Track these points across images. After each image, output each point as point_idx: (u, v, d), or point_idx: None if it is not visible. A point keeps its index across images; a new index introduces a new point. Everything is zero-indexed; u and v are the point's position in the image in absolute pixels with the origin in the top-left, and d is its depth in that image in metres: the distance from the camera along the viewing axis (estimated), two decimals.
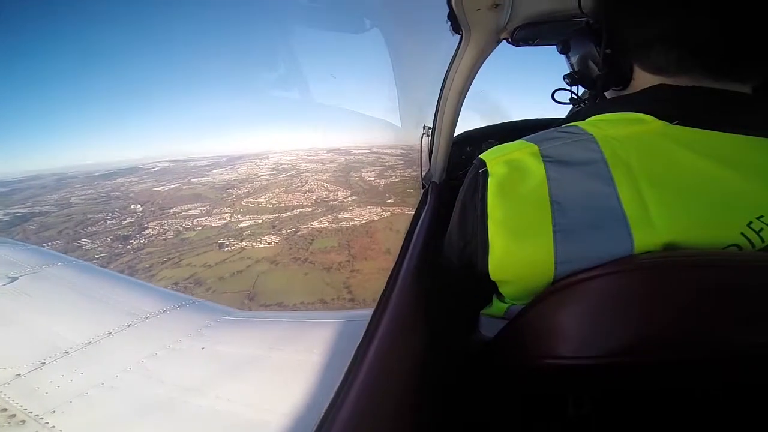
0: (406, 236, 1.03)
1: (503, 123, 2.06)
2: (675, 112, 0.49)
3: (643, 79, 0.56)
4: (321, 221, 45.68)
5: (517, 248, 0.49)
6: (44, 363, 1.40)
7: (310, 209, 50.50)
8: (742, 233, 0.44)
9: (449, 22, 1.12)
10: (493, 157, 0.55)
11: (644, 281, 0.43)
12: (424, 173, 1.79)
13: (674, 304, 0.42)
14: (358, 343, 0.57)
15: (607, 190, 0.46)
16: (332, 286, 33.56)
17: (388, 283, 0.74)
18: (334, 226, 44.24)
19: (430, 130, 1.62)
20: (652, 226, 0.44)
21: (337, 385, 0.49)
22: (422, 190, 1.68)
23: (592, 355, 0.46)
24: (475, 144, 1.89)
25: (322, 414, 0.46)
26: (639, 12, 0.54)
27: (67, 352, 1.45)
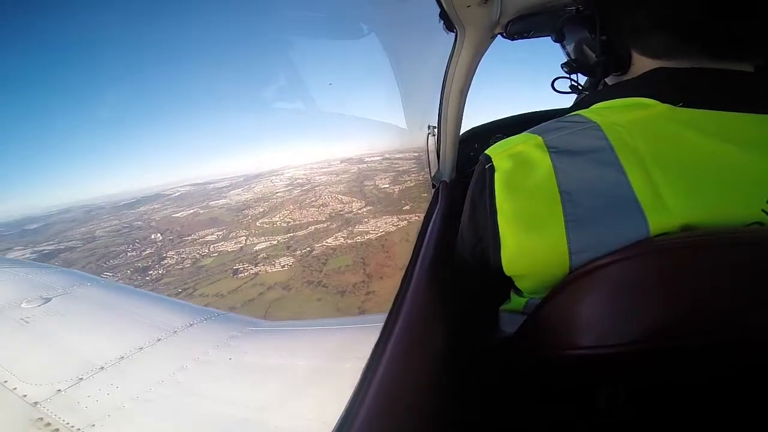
0: (418, 237, 1.03)
1: (509, 117, 2.06)
2: (678, 94, 0.49)
3: (642, 64, 0.56)
4: (336, 237, 45.71)
5: (529, 241, 0.50)
6: (81, 378, 1.48)
7: (325, 225, 50.88)
8: (763, 210, 0.43)
9: (442, 21, 1.13)
10: (498, 152, 0.56)
11: (663, 263, 0.42)
12: (433, 173, 1.81)
13: (696, 285, 0.41)
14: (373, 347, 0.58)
15: (616, 177, 0.46)
16: (345, 313, 33.08)
17: (402, 284, 0.74)
18: (349, 242, 44.14)
19: (436, 130, 1.64)
20: (666, 209, 0.44)
21: (355, 387, 0.50)
22: (433, 190, 1.69)
23: (615, 343, 0.45)
24: (483, 140, 1.90)
25: (341, 416, 0.46)
26: None
27: (102, 368, 1.52)
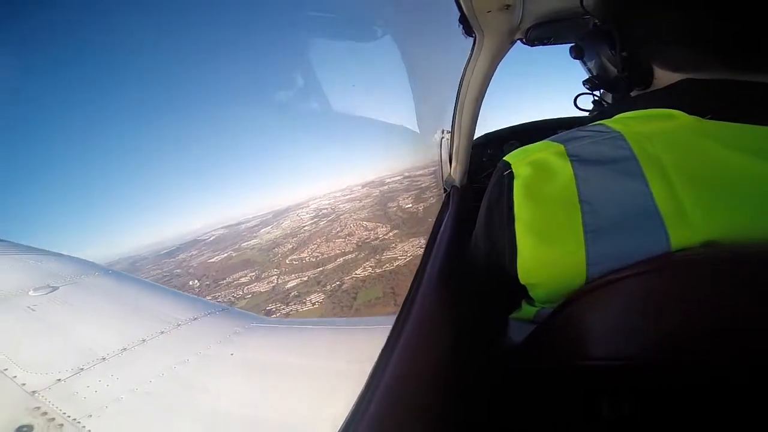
0: (428, 241, 1.03)
1: (524, 123, 2.04)
2: (706, 106, 0.48)
3: (665, 77, 0.55)
4: (364, 267, 45.25)
5: (547, 250, 0.49)
6: (83, 369, 1.46)
7: (353, 255, 50.83)
8: None
9: (461, 26, 1.11)
10: (518, 159, 0.55)
11: (683, 278, 0.42)
12: (444, 177, 1.78)
13: (716, 302, 0.40)
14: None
15: (639, 188, 0.45)
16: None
17: (411, 289, 0.74)
18: (378, 271, 43.55)
19: (449, 134, 1.63)
20: (689, 223, 0.43)
21: (361, 389, 0.50)
22: (444, 195, 1.68)
23: (629, 355, 0.45)
24: (496, 146, 1.89)
25: (347, 418, 0.46)
26: (646, 8, 0.54)
27: (103, 359, 1.51)
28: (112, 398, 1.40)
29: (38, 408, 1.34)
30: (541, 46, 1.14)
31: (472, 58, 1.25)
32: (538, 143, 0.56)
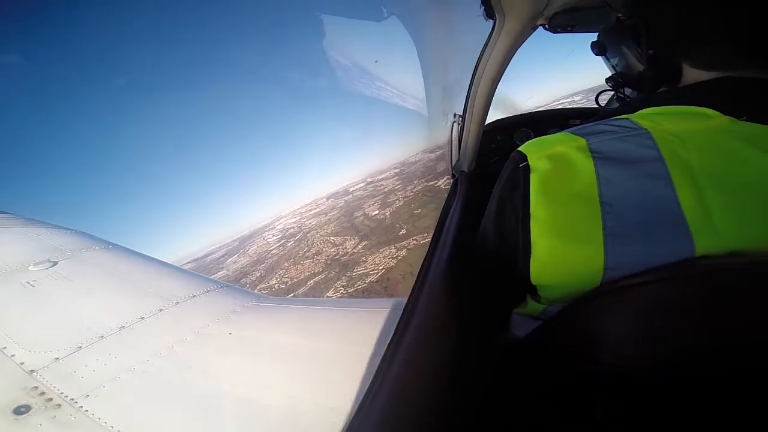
0: (437, 226, 1.02)
1: (536, 111, 1.96)
2: (743, 107, 0.45)
3: (694, 75, 0.52)
4: (335, 288, 43.60)
5: (563, 252, 0.46)
6: (81, 347, 1.42)
7: (323, 275, 49.02)
8: None
9: (482, 7, 1.06)
10: (535, 150, 0.50)
11: (707, 288, 0.39)
12: (453, 162, 1.73)
13: (741, 314, 0.38)
14: (390, 336, 0.55)
15: (664, 192, 0.42)
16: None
17: (419, 275, 0.72)
18: (350, 291, 42.01)
19: (461, 119, 1.57)
20: (716, 232, 0.40)
21: (371, 377, 0.49)
22: (452, 180, 1.65)
23: (640, 363, 0.43)
24: (506, 132, 1.84)
25: (356, 406, 0.45)
26: (677, 5, 0.51)
27: (102, 337, 1.47)
28: (109, 378, 1.35)
29: (36, 388, 1.29)
30: (563, 33, 1.10)
31: (489, 41, 1.18)
32: (556, 134, 0.51)
